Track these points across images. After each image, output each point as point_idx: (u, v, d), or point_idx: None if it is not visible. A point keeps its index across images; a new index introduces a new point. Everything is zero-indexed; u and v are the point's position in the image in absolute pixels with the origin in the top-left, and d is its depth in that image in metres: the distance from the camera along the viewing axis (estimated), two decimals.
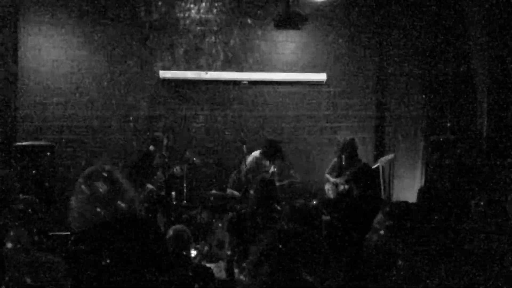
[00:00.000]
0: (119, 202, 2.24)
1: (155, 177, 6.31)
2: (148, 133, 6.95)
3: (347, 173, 6.41)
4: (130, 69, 7.19)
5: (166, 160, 6.38)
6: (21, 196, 3.39)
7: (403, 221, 2.09)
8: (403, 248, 2.04)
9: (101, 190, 2.23)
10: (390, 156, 6.91)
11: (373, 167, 6.89)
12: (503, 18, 5.26)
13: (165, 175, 6.38)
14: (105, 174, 2.28)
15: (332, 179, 6.67)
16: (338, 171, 6.66)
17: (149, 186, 6.23)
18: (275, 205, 4.55)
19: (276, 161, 6.48)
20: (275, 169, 6.50)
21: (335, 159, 6.77)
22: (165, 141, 6.46)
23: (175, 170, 6.41)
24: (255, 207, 4.61)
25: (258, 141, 6.95)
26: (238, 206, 6.07)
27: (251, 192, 5.60)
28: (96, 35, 7.08)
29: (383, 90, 7.71)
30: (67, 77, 7.05)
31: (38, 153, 5.74)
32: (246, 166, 6.42)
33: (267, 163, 6.44)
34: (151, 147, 6.41)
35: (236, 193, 6.52)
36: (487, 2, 5.40)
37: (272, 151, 6.37)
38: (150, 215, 6.03)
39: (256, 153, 6.59)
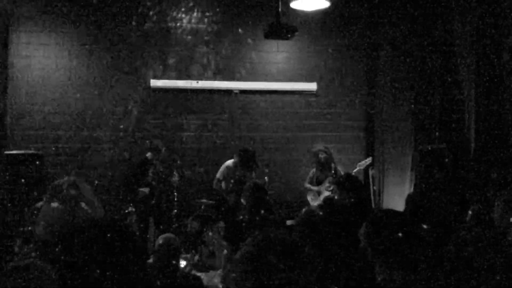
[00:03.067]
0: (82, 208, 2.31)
1: (150, 183, 6.31)
2: (147, 141, 6.95)
3: (328, 180, 6.47)
4: (121, 78, 7.19)
5: (161, 169, 6.40)
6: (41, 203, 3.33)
7: (382, 228, 2.11)
8: (379, 256, 2.06)
9: (55, 205, 2.31)
10: (367, 160, 7.01)
11: (353, 171, 6.95)
12: (489, 30, 5.35)
13: (159, 184, 6.38)
14: (69, 185, 2.35)
15: (314, 188, 6.72)
16: (316, 180, 6.72)
17: (142, 190, 6.22)
18: (262, 211, 4.57)
19: (252, 170, 6.52)
20: (254, 176, 6.56)
21: (312, 170, 6.83)
22: (163, 150, 6.49)
23: (173, 178, 6.43)
24: (248, 214, 4.63)
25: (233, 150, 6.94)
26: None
27: (242, 200, 5.65)
28: (87, 45, 7.09)
29: (372, 100, 7.78)
30: (58, 87, 7.04)
31: (27, 162, 5.71)
32: (217, 175, 6.53)
33: (243, 172, 6.47)
34: (149, 154, 6.42)
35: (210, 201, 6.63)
36: (473, 16, 5.50)
37: (247, 160, 6.39)
38: (140, 224, 6.03)
39: (229, 162, 6.61)
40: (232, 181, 6.43)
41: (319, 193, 6.65)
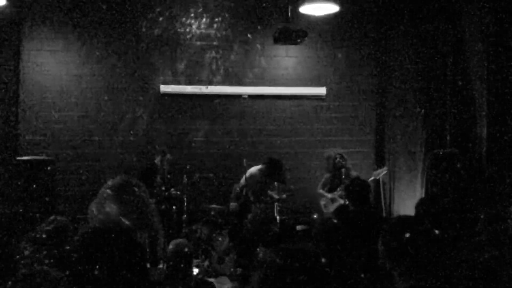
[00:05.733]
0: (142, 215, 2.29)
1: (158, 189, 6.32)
2: (156, 146, 6.95)
3: (339, 188, 6.42)
4: (131, 84, 7.23)
5: (168, 175, 6.40)
6: (54, 217, 3.33)
7: (398, 236, 2.09)
8: (398, 264, 2.04)
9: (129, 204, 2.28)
10: (383, 170, 6.93)
11: (369, 180, 6.91)
12: (501, 32, 5.32)
13: (165, 192, 6.38)
14: (134, 188, 2.33)
15: (327, 194, 6.66)
16: (329, 186, 6.68)
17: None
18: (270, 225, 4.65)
19: (277, 179, 6.47)
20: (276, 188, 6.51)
21: (326, 175, 6.78)
22: (168, 155, 6.49)
23: (183, 182, 6.46)
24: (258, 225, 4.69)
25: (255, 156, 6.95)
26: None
27: (249, 216, 5.70)
28: (97, 51, 7.13)
29: (382, 104, 7.75)
30: (68, 93, 7.08)
31: (39, 168, 5.75)
32: (241, 181, 6.48)
33: (269, 181, 6.44)
34: (156, 160, 6.44)
35: (234, 205, 6.56)
36: (485, 18, 5.47)
37: (273, 169, 6.36)
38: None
39: (254, 169, 6.57)
40: (247, 189, 6.38)
41: (333, 200, 6.58)
